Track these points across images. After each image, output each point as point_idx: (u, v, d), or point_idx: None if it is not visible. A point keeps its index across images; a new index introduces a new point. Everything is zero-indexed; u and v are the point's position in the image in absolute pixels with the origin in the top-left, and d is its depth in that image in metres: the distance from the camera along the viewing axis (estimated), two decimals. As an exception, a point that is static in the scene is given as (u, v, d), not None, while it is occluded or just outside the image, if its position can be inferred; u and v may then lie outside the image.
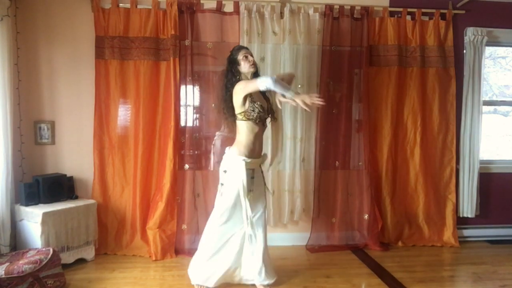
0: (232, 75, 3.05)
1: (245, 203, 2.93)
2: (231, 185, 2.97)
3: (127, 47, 3.84)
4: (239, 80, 3.02)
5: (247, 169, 2.95)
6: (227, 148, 3.12)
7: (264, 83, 2.80)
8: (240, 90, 2.93)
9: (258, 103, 2.98)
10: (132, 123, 3.89)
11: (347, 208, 4.22)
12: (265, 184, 3.23)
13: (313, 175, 4.15)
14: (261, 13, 3.96)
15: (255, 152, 3.02)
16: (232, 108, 3.02)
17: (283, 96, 3.01)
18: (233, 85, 3.00)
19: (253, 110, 2.94)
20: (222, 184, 3.03)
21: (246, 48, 3.12)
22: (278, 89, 2.84)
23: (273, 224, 4.11)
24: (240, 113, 2.96)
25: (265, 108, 3.04)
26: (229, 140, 3.43)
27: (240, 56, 3.05)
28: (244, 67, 3.04)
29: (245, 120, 2.95)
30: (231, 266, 3.10)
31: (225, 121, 3.26)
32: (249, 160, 2.95)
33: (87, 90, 3.87)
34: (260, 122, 3.01)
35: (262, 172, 3.21)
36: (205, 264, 3.09)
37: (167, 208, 3.85)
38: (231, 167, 2.99)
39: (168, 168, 3.83)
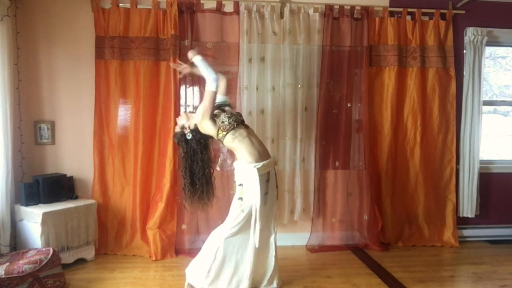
0: (185, 141, 3.06)
1: (256, 213, 2.88)
2: (249, 198, 2.91)
3: (127, 47, 3.84)
4: (195, 129, 3.03)
5: (262, 174, 2.92)
6: (234, 163, 3.08)
7: (211, 82, 2.89)
8: (202, 115, 2.94)
9: (223, 114, 3.00)
10: (132, 123, 3.89)
11: (347, 208, 4.22)
12: (277, 187, 3.18)
13: (313, 175, 4.15)
14: (261, 13, 3.96)
15: (261, 154, 2.98)
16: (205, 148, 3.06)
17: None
18: (190, 140, 3.02)
19: (223, 121, 2.95)
20: (241, 199, 2.93)
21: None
22: (209, 67, 2.96)
23: (273, 224, 4.11)
24: (218, 133, 2.95)
25: (233, 113, 3.07)
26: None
27: (177, 129, 3.11)
28: (186, 127, 3.05)
29: (226, 134, 2.93)
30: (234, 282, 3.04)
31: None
32: (260, 165, 2.91)
33: (87, 90, 3.87)
34: (240, 125, 3.01)
35: (275, 175, 3.15)
36: (210, 276, 3.01)
37: (167, 208, 3.85)
38: (245, 178, 2.93)
39: (168, 168, 3.83)
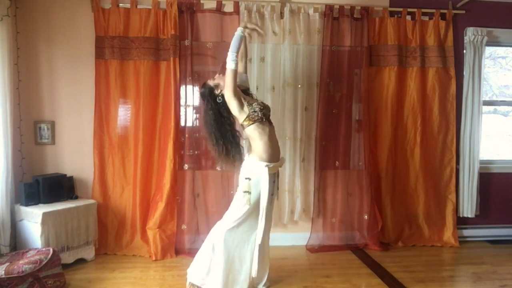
0: (213, 99, 3.04)
1: (263, 212, 2.89)
2: (256, 192, 2.90)
3: (127, 47, 3.84)
4: (220, 93, 3.01)
5: (270, 175, 2.91)
6: (246, 155, 3.08)
7: (229, 61, 2.82)
8: (227, 92, 2.90)
9: (255, 103, 2.98)
10: (132, 123, 3.89)
11: (347, 208, 4.22)
12: (278, 188, 3.18)
13: (313, 175, 4.15)
14: (261, 13, 3.96)
15: (274, 155, 2.97)
16: (225, 124, 3.03)
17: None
18: (219, 104, 3.00)
19: (255, 111, 2.92)
20: (248, 192, 2.90)
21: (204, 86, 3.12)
22: (235, 46, 2.85)
23: (273, 224, 4.07)
24: (244, 120, 2.92)
25: (265, 105, 3.05)
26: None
27: (211, 82, 3.07)
28: (221, 83, 3.01)
29: (252, 124, 2.91)
30: (229, 274, 3.03)
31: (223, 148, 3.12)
32: (271, 165, 2.91)
33: (87, 90, 3.87)
34: (266, 121, 2.98)
35: (278, 176, 3.15)
36: (209, 271, 3.01)
37: (167, 208, 3.85)
38: (254, 174, 2.92)
39: (168, 168, 3.83)
